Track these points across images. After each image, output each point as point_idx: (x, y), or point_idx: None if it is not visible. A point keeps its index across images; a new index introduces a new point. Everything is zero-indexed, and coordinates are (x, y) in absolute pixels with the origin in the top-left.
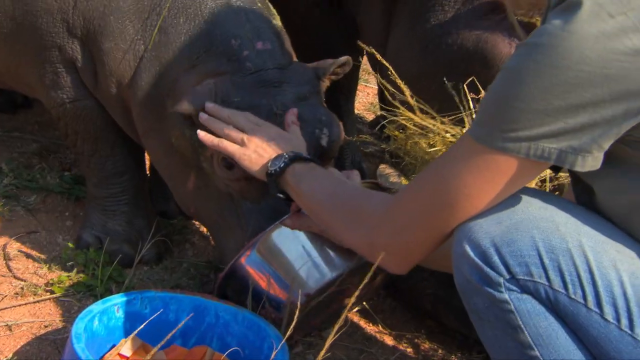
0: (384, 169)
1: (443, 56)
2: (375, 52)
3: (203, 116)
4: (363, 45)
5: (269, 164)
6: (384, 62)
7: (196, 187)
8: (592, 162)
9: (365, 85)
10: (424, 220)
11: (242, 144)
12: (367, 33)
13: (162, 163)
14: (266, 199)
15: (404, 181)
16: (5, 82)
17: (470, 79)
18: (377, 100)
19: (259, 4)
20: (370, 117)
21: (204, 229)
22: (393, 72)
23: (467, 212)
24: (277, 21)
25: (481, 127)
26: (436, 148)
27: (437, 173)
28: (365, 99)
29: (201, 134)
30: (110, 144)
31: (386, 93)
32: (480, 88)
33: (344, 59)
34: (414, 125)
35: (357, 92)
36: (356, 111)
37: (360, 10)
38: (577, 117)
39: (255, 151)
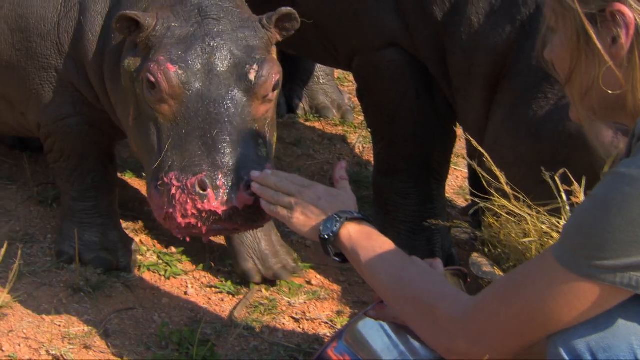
0: (477, 257)
1: (544, 143)
2: (472, 139)
3: (255, 186)
4: (461, 132)
5: (320, 228)
6: (480, 148)
7: (134, 119)
8: None
9: (455, 169)
10: (506, 337)
11: (290, 207)
12: (466, 119)
13: (124, 119)
14: (188, 121)
15: (496, 271)
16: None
17: (566, 168)
18: (467, 184)
19: None
20: (459, 200)
21: (293, 311)
22: (489, 159)
23: (551, 331)
24: None
25: (566, 251)
26: (530, 238)
27: (521, 293)
28: (455, 182)
29: (262, 203)
30: (93, 159)
31: (482, 180)
32: (573, 179)
33: (286, 9)
34: (509, 213)
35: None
36: (446, 195)
37: (460, 97)
38: None
39: (303, 213)
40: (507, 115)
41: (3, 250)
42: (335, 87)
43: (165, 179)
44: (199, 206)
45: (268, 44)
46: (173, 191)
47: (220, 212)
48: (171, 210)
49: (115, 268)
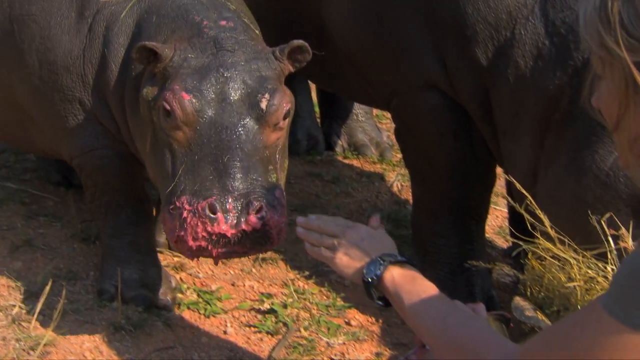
0: (519, 301)
1: (597, 191)
2: (515, 182)
3: (299, 230)
4: (505, 174)
5: (364, 271)
6: (524, 191)
7: (151, 145)
8: None
9: (494, 208)
10: None
11: (333, 248)
12: (512, 161)
13: (141, 146)
14: (201, 148)
15: (539, 315)
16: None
17: (610, 214)
18: (507, 224)
19: (231, 4)
20: (499, 241)
21: (332, 352)
22: (532, 201)
23: None
24: (250, 22)
25: (615, 301)
26: (575, 283)
27: (568, 344)
28: (494, 222)
29: (307, 246)
30: (126, 193)
31: (527, 223)
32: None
33: (297, 42)
34: (553, 256)
35: None
36: (486, 235)
37: (505, 140)
38: None
39: (346, 254)
40: (569, 161)
41: (47, 288)
42: (373, 124)
43: (177, 203)
44: (209, 229)
45: (280, 74)
46: (184, 214)
47: (229, 234)
48: (182, 233)
49: (155, 306)
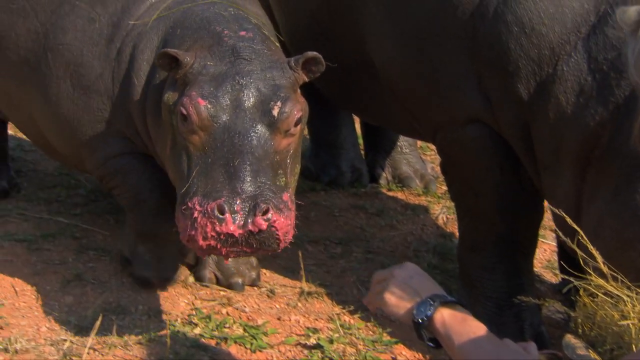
0: (570, 339)
1: (637, 228)
2: (566, 216)
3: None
4: (553, 209)
5: (414, 312)
6: (575, 226)
7: (170, 148)
8: None
9: (542, 241)
10: None
11: (383, 288)
12: (554, 196)
13: (162, 151)
14: (214, 151)
15: (592, 354)
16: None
17: None
18: (555, 257)
19: (253, 17)
20: (548, 275)
21: None
22: (584, 237)
23: None
24: (270, 35)
25: None
26: (629, 321)
27: None
28: (542, 256)
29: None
30: (148, 189)
31: (579, 259)
32: None
33: (311, 53)
34: (605, 293)
35: None
36: (534, 269)
37: (547, 175)
38: None
39: (395, 293)
40: (611, 197)
41: (98, 323)
42: (418, 156)
43: (189, 204)
44: (217, 229)
45: (295, 83)
46: (195, 214)
47: (237, 234)
48: (193, 233)
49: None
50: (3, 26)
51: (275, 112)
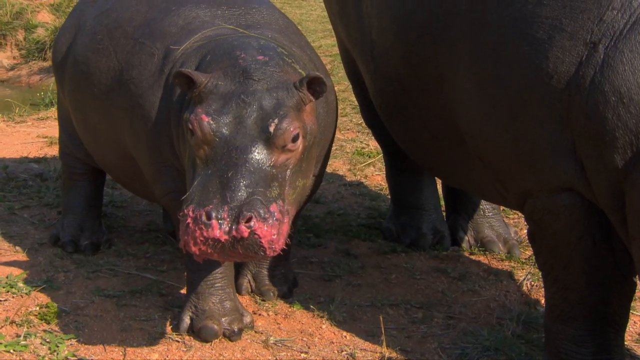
0: None
1: None
2: None
3: None
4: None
5: None
6: None
7: (187, 161)
8: None
9: (633, 313)
10: None
11: None
12: None
13: (184, 163)
14: (214, 164)
15: None
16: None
17: None
18: None
19: (281, 48)
20: (639, 349)
21: None
22: None
23: None
24: (294, 62)
25: None
26: None
27: None
28: (633, 329)
29: None
30: None
31: None
32: None
33: (314, 74)
34: None
35: None
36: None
37: (635, 246)
38: None
39: None
40: None
41: None
42: (501, 220)
43: (186, 211)
44: (205, 234)
45: (300, 103)
46: (188, 221)
47: (222, 240)
48: (187, 237)
49: (216, 334)
50: (90, 64)
51: (272, 129)
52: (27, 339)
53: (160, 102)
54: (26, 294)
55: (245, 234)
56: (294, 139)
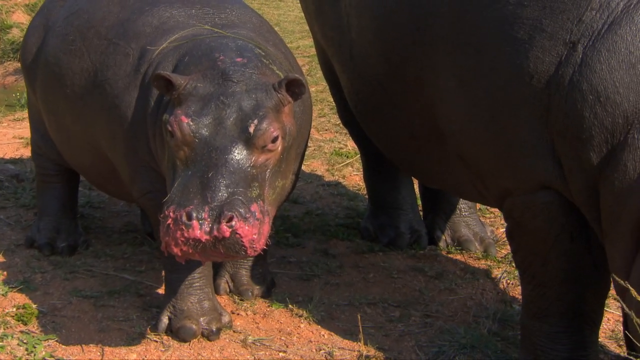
0: None
1: None
2: (627, 284)
3: None
4: (617, 278)
5: None
6: (638, 297)
7: (167, 163)
8: None
9: (606, 310)
10: None
11: None
12: (611, 266)
13: (163, 167)
14: (195, 165)
15: None
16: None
17: None
18: (620, 327)
19: (259, 49)
20: (612, 346)
21: None
22: None
23: None
24: (271, 63)
25: None
26: None
27: None
28: (606, 326)
29: None
30: None
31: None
32: None
33: (293, 76)
34: None
35: None
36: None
37: (607, 242)
38: None
39: None
40: None
41: None
42: (477, 219)
43: (166, 212)
44: (185, 234)
45: (278, 104)
46: (169, 221)
47: (203, 240)
48: (167, 238)
49: (194, 333)
50: (62, 65)
51: (251, 129)
52: (4, 340)
53: (136, 102)
54: (3, 295)
55: (227, 234)
56: (274, 140)
